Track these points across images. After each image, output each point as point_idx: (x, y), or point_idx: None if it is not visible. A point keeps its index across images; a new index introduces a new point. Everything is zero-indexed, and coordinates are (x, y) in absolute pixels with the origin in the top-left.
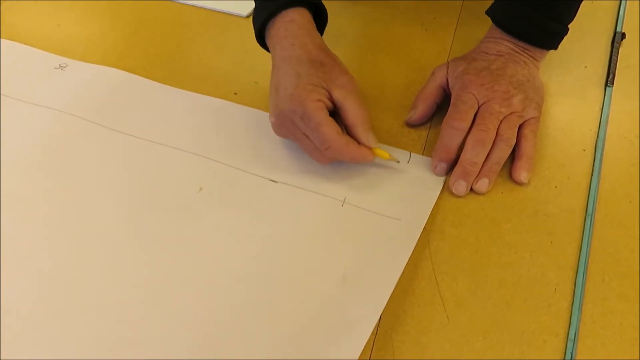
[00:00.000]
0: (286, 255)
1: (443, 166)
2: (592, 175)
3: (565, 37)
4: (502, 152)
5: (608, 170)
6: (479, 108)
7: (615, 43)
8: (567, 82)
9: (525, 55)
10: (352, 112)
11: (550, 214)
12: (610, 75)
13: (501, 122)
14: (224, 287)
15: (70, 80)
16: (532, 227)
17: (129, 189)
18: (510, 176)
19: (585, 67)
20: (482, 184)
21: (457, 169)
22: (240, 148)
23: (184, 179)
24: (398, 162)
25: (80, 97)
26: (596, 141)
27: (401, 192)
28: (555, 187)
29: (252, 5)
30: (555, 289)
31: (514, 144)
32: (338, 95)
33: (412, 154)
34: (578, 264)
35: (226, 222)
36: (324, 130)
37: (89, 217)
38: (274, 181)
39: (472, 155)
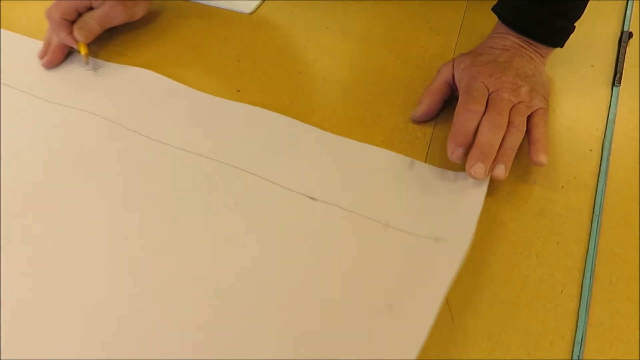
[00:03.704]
0: (326, 280)
1: (460, 151)
2: (598, 175)
3: (572, 36)
4: (515, 138)
5: (615, 170)
6: (489, 96)
7: (622, 42)
8: (574, 81)
9: (531, 50)
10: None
11: (557, 214)
12: (617, 75)
13: (511, 110)
14: (260, 311)
15: (102, 81)
16: (538, 227)
17: (160, 198)
18: (531, 161)
19: (592, 66)
20: (500, 169)
21: (474, 152)
22: (277, 160)
23: (218, 191)
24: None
25: (111, 99)
26: (603, 141)
27: (444, 211)
28: (562, 187)
29: (257, 4)
30: (562, 290)
31: (524, 131)
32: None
33: (457, 173)
34: (585, 265)
35: (263, 241)
36: None
37: (115, 223)
38: (312, 199)
39: (489, 136)
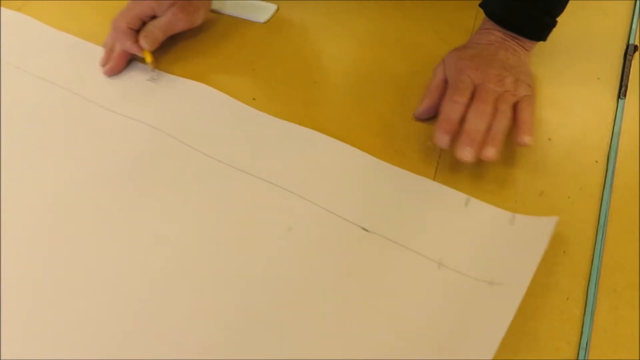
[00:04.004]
0: (374, 317)
1: (446, 138)
2: (604, 186)
3: (578, 49)
4: (501, 124)
5: (620, 182)
6: (475, 89)
7: (627, 56)
8: (580, 94)
9: (515, 43)
10: None
11: (564, 224)
12: (623, 88)
13: (497, 99)
14: (310, 341)
15: (161, 93)
16: None
17: (212, 216)
18: (515, 142)
19: (598, 78)
20: (489, 151)
21: (462, 138)
22: (331, 186)
23: (273, 214)
24: None
25: (169, 113)
26: (608, 153)
27: (500, 254)
28: (569, 197)
29: (271, 13)
30: (567, 297)
31: (511, 117)
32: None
33: (515, 214)
34: (590, 273)
35: (315, 272)
36: None
37: (169, 239)
38: (365, 230)
39: (475, 123)
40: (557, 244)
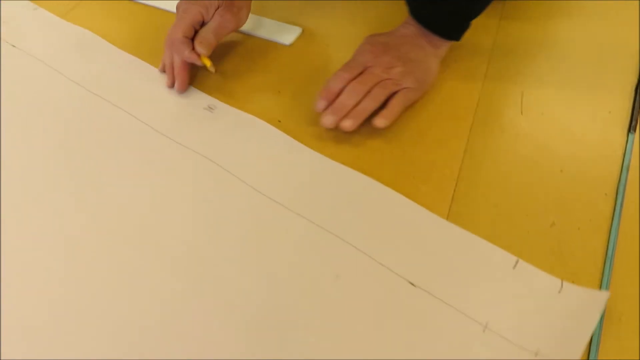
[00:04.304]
0: None
1: (323, 103)
2: (612, 218)
3: (591, 82)
4: (368, 104)
5: (629, 215)
6: (364, 70)
7: (638, 90)
8: (591, 127)
9: (425, 40)
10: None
11: (573, 254)
12: (633, 122)
13: (377, 84)
14: None
15: (218, 124)
16: (556, 265)
17: (259, 255)
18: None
19: (610, 112)
20: (346, 122)
21: (330, 107)
22: (380, 234)
23: (321, 260)
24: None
25: (226, 145)
26: (618, 186)
27: (549, 324)
28: (578, 228)
29: (296, 35)
30: None
31: (380, 101)
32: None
33: (564, 282)
34: None
35: (359, 322)
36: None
37: (221, 279)
38: (412, 284)
39: (345, 98)
40: (567, 274)
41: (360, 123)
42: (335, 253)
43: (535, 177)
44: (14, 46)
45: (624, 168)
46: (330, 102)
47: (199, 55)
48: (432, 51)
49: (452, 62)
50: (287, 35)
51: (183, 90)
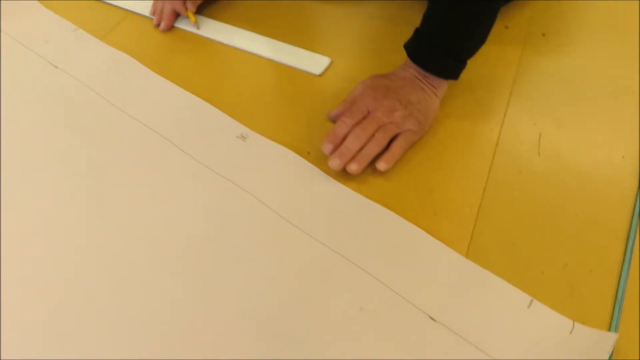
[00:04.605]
0: None
1: (329, 146)
2: (622, 263)
3: (603, 127)
4: (372, 149)
5: (639, 260)
6: (367, 114)
7: None
8: (603, 171)
9: (425, 82)
10: None
11: (584, 296)
12: None
13: (380, 127)
14: None
15: (250, 153)
16: (567, 306)
17: (287, 287)
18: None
19: (623, 157)
20: (352, 166)
21: (336, 151)
22: (403, 269)
23: (345, 292)
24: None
25: (258, 175)
26: (629, 231)
27: None
28: (590, 271)
29: (325, 65)
30: None
31: (383, 145)
32: None
33: (575, 323)
34: None
35: (380, 354)
36: None
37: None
38: (432, 319)
39: (349, 142)
40: (577, 316)
41: (365, 166)
42: (359, 285)
43: (551, 219)
44: (56, 67)
45: (634, 214)
46: (337, 146)
47: (186, 9)
48: (432, 91)
49: (473, 99)
50: (317, 65)
51: (165, 31)
